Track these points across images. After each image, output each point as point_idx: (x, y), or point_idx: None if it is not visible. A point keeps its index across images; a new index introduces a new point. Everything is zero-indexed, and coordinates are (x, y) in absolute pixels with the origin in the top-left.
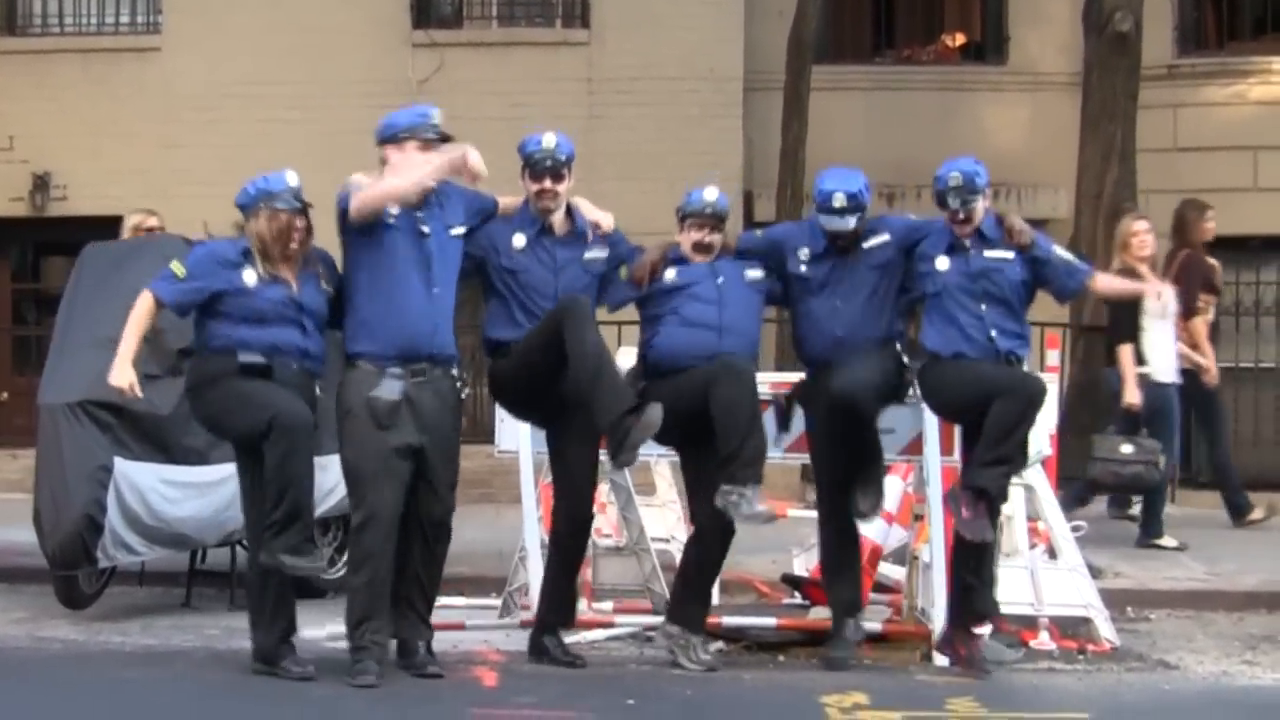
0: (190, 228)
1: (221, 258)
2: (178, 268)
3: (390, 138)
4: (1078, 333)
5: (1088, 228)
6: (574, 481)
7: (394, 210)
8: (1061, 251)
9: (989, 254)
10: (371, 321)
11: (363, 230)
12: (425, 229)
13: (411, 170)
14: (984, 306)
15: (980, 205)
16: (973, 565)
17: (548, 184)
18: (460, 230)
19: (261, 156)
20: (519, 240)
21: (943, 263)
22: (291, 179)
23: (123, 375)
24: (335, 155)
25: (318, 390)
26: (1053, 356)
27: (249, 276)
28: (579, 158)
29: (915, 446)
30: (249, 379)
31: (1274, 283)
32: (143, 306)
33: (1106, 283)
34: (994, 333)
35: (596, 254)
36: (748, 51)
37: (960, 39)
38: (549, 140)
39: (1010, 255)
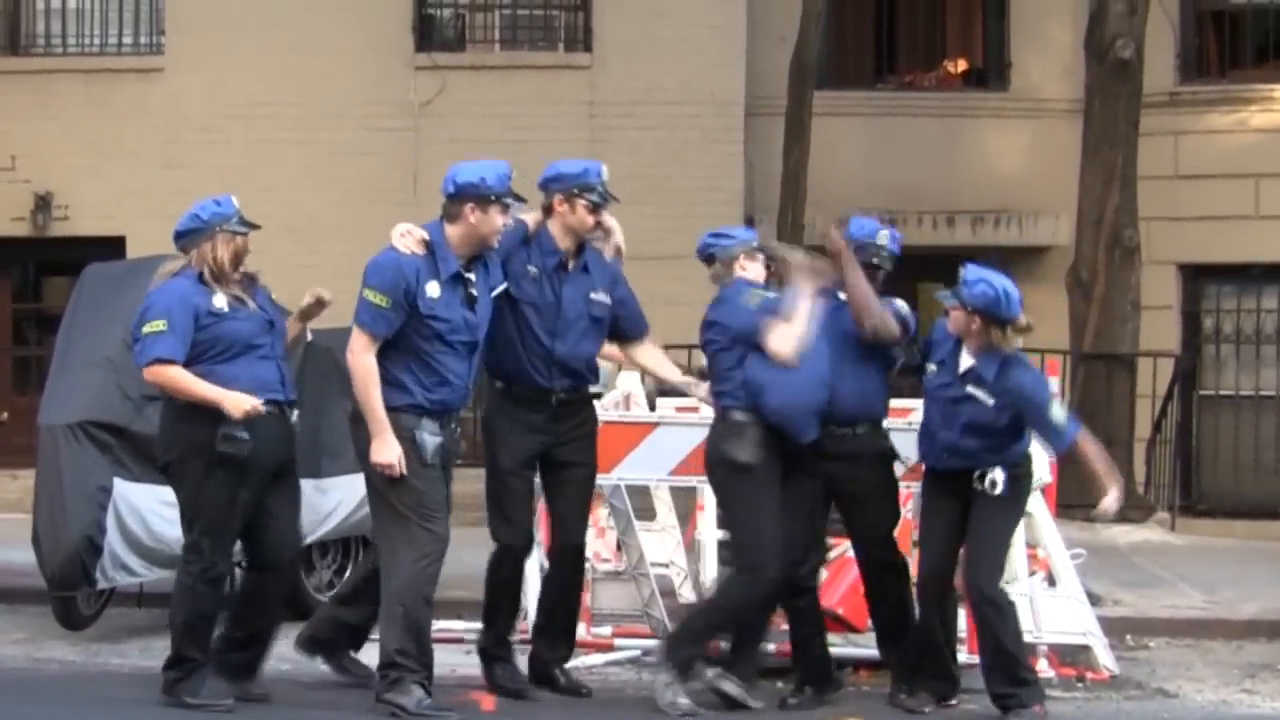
0: None
1: (184, 295)
2: (157, 325)
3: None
4: (1078, 360)
5: (1088, 254)
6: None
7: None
8: (1053, 411)
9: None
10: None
11: None
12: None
13: None
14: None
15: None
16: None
17: (603, 216)
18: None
19: (263, 177)
20: (532, 270)
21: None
22: (235, 201)
23: (239, 403)
24: (337, 176)
25: (294, 417)
26: (1052, 384)
27: (219, 301)
28: None
29: (915, 472)
30: (228, 466)
31: (1274, 310)
32: (177, 374)
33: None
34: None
35: (602, 297)
36: (749, 76)
37: (962, 65)
38: (607, 172)
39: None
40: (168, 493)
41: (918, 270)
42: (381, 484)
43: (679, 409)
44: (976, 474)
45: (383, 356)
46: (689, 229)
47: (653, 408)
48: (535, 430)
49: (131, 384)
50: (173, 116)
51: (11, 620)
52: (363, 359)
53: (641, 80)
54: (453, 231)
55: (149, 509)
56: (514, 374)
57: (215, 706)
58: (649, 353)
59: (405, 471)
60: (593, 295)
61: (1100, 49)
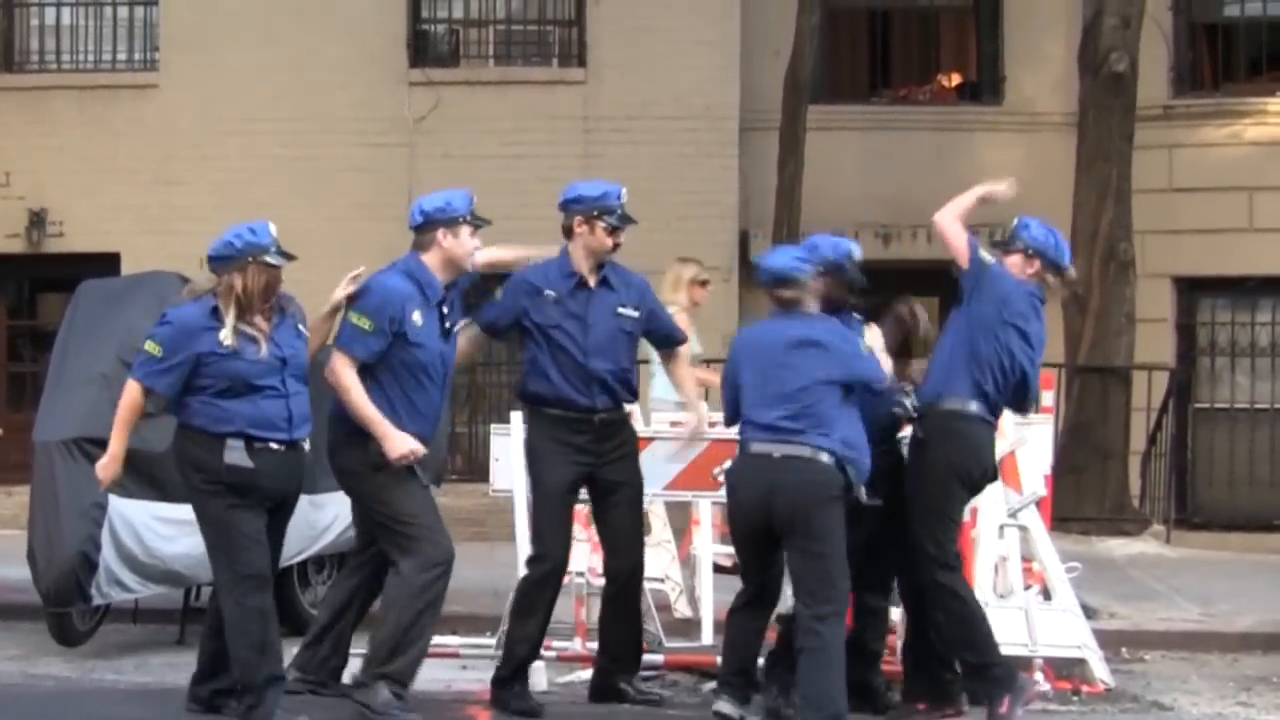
0: (186, 264)
1: (192, 325)
2: (153, 348)
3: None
4: (1073, 373)
5: (1083, 267)
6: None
7: None
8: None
9: None
10: None
11: None
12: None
13: None
14: None
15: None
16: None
17: (621, 238)
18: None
19: (258, 193)
20: (550, 294)
21: None
22: (273, 229)
23: (109, 470)
24: (332, 192)
25: (306, 447)
26: (1047, 397)
27: (225, 337)
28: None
29: None
30: (232, 494)
31: (1269, 323)
32: (130, 399)
33: None
34: None
35: (630, 311)
36: (744, 91)
37: (956, 79)
38: (625, 193)
39: None
40: (163, 509)
41: (912, 284)
42: (373, 503)
43: (674, 423)
44: None
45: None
46: (684, 243)
47: (647, 422)
48: (580, 452)
49: None
50: (167, 133)
51: (7, 636)
52: (345, 373)
53: (636, 95)
54: (430, 260)
55: (144, 525)
56: (554, 398)
57: None
58: (678, 365)
59: (395, 492)
60: (620, 310)
61: (1094, 63)
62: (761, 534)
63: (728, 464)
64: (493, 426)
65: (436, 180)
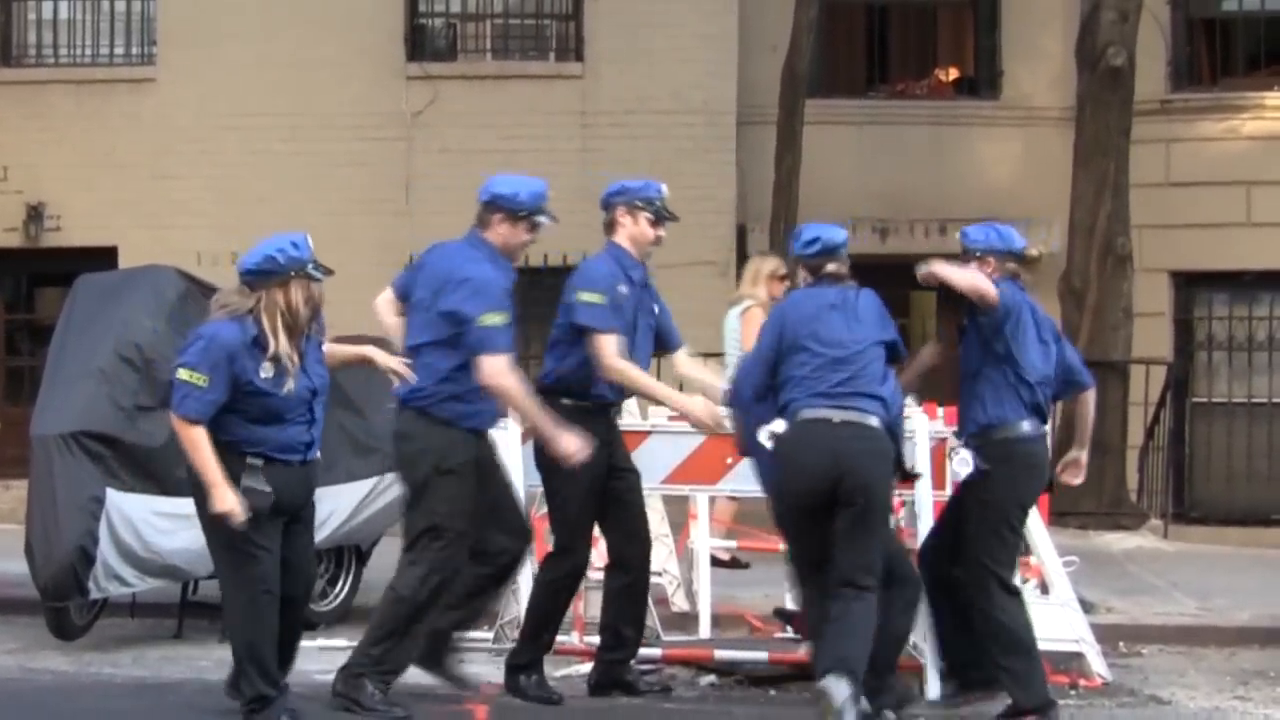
0: (183, 258)
1: (232, 348)
2: (197, 378)
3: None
4: None
5: (1080, 262)
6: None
7: None
8: None
9: None
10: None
11: None
12: None
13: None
14: None
15: None
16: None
17: (663, 230)
18: None
19: (255, 188)
20: (623, 291)
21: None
22: (310, 241)
23: (225, 500)
24: (329, 187)
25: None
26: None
27: (265, 372)
28: (572, 191)
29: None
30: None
31: (1267, 317)
32: (198, 438)
33: None
34: None
35: (655, 307)
36: (741, 85)
37: (953, 73)
38: (666, 188)
39: None
40: (161, 503)
41: (911, 278)
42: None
43: (672, 417)
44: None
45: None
46: (681, 238)
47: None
48: (603, 444)
49: (124, 394)
50: (164, 127)
51: (4, 630)
52: (510, 378)
53: (633, 90)
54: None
55: (142, 519)
56: (583, 392)
57: None
58: (690, 363)
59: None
60: (654, 306)
61: (1092, 57)
62: (822, 503)
63: (770, 431)
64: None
65: (433, 175)
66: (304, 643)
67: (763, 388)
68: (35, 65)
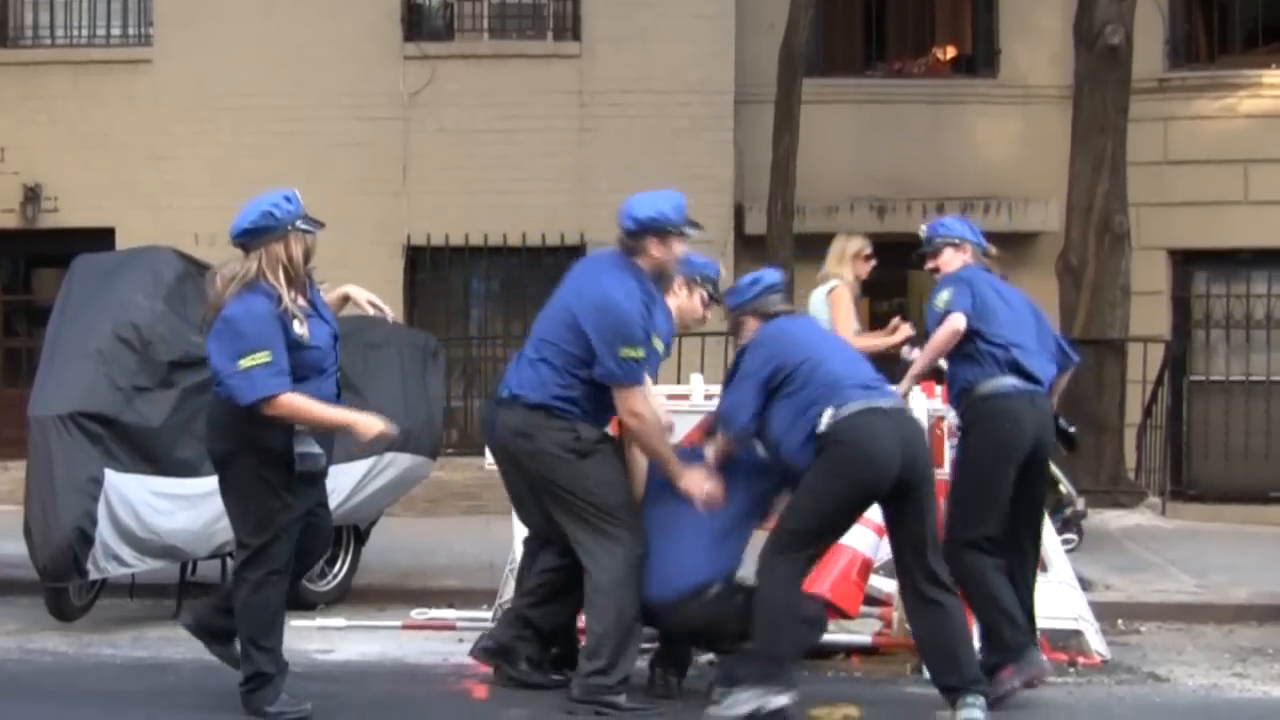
0: (180, 239)
1: (269, 316)
2: (260, 358)
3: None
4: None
5: (1078, 240)
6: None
7: None
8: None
9: None
10: None
11: None
12: None
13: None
14: None
15: None
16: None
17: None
18: None
19: (252, 168)
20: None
21: None
22: (299, 196)
23: (367, 423)
24: (326, 167)
25: None
26: None
27: (299, 329)
28: (569, 170)
29: None
30: (288, 482)
31: (1264, 295)
32: (296, 402)
33: None
34: None
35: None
36: (739, 65)
37: (951, 52)
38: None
39: None
40: (159, 483)
41: (908, 259)
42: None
43: (670, 395)
44: None
45: (581, 388)
46: None
47: None
48: None
49: (121, 375)
50: (161, 108)
51: (3, 611)
52: (645, 404)
53: (631, 69)
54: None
55: (140, 500)
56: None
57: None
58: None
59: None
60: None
61: (1089, 35)
62: (886, 492)
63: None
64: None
65: (431, 155)
66: (303, 622)
67: (759, 412)
68: (32, 46)
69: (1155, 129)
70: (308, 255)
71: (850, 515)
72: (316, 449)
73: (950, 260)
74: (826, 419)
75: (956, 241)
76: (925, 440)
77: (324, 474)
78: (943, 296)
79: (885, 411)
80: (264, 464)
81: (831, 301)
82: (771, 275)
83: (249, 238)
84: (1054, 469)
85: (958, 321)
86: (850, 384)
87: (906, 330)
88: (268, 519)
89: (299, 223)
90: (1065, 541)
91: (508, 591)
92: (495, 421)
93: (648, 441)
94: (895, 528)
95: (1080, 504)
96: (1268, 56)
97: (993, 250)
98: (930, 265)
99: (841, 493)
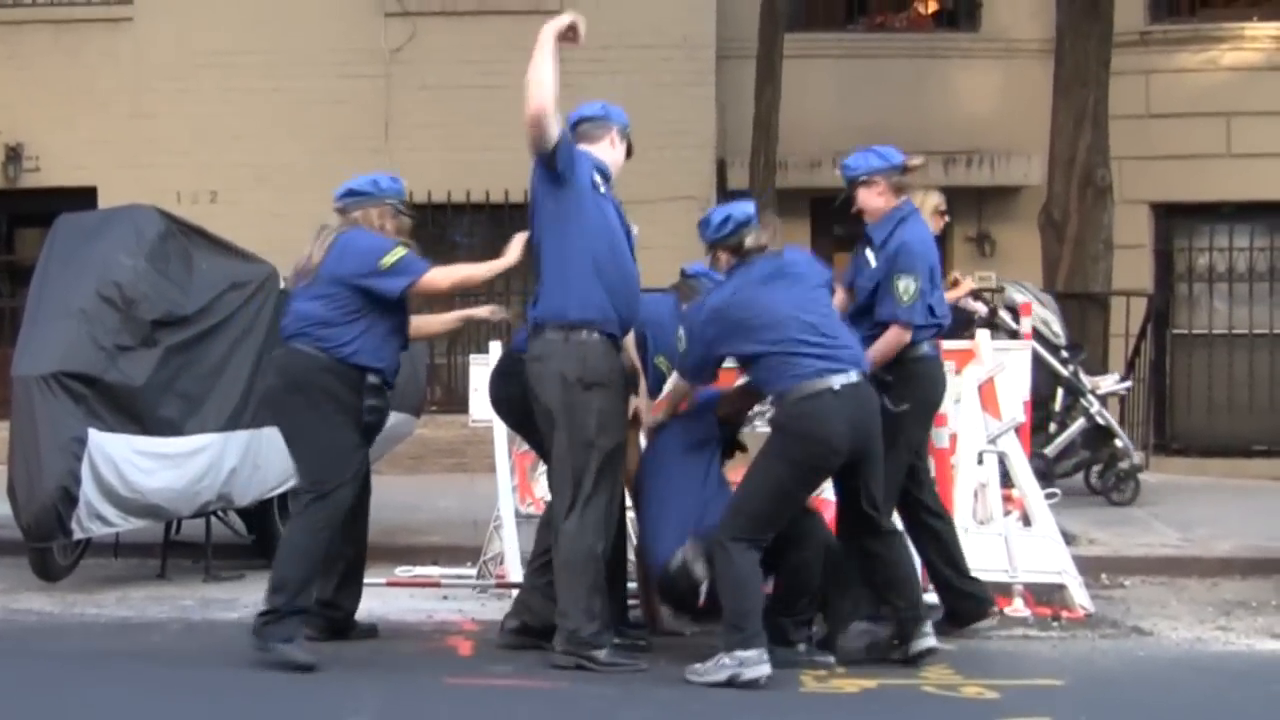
0: (162, 198)
1: (380, 236)
2: (399, 250)
3: None
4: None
5: (1060, 194)
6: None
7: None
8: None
9: None
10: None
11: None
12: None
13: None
14: None
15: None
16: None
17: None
18: None
19: (234, 126)
20: None
21: None
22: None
23: (502, 263)
24: (307, 124)
25: None
26: (1025, 324)
27: None
28: None
29: None
30: (359, 429)
31: (1246, 249)
32: (440, 272)
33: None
34: None
35: None
36: (720, 19)
37: (932, 6)
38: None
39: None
40: (142, 442)
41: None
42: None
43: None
44: None
45: None
46: (661, 173)
47: None
48: None
49: (105, 334)
50: (143, 66)
51: None
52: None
53: (612, 24)
54: None
55: (124, 459)
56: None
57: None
58: None
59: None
60: None
61: None
62: (835, 469)
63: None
64: (471, 357)
65: (413, 112)
66: None
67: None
68: (12, 5)
69: (1137, 82)
70: (397, 232)
71: (801, 497)
72: (383, 401)
73: (868, 200)
74: (776, 404)
75: (864, 179)
76: (876, 415)
77: (382, 427)
78: (908, 289)
79: (835, 392)
80: (338, 412)
81: None
82: (742, 211)
83: (350, 199)
84: (1111, 423)
85: (907, 336)
86: (807, 354)
87: (969, 284)
88: (344, 460)
89: (396, 201)
90: (1117, 494)
91: (491, 548)
92: None
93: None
94: (844, 491)
95: (1137, 457)
96: (1249, 9)
97: (913, 162)
98: (855, 210)
99: (790, 475)
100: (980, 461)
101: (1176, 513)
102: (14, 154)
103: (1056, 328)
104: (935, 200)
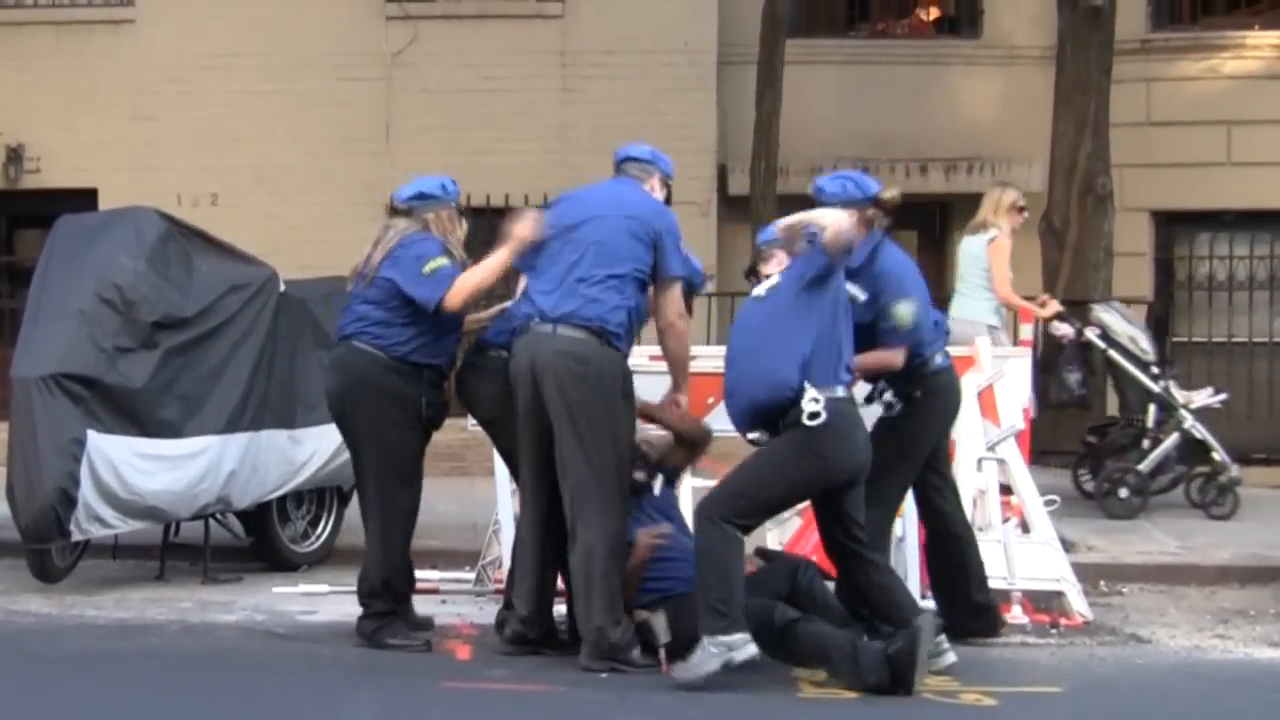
0: (163, 200)
1: (440, 245)
2: (441, 259)
3: None
4: None
5: (1061, 201)
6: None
7: None
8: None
9: None
10: None
11: None
12: None
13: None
14: None
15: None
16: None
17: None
18: None
19: (235, 128)
20: None
21: None
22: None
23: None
24: (308, 127)
25: None
26: (1026, 331)
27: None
28: (552, 130)
29: None
30: (420, 425)
31: (1247, 257)
32: (462, 280)
33: None
34: None
35: None
36: (722, 25)
37: (934, 12)
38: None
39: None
40: (141, 444)
41: (891, 218)
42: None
43: (652, 357)
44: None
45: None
46: None
47: None
48: None
49: (104, 336)
50: (144, 68)
51: None
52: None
53: (614, 29)
54: None
55: (123, 461)
56: None
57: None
58: None
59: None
60: None
61: None
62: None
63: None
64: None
65: (413, 115)
66: (287, 588)
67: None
68: (14, 6)
69: (1138, 90)
70: (459, 236)
71: (804, 498)
72: (442, 398)
73: None
74: (812, 401)
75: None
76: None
77: (442, 422)
78: (908, 311)
79: (854, 402)
80: (401, 410)
81: (992, 251)
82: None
83: (419, 201)
84: (1208, 437)
85: (902, 358)
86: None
87: (1056, 306)
88: (413, 458)
89: (456, 206)
90: (1217, 508)
91: (490, 552)
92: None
93: (685, 342)
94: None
95: (1235, 470)
96: (1251, 17)
97: (887, 194)
98: None
99: (810, 478)
100: (979, 468)
101: (1175, 520)
102: (15, 155)
103: (1145, 344)
104: (1012, 196)
